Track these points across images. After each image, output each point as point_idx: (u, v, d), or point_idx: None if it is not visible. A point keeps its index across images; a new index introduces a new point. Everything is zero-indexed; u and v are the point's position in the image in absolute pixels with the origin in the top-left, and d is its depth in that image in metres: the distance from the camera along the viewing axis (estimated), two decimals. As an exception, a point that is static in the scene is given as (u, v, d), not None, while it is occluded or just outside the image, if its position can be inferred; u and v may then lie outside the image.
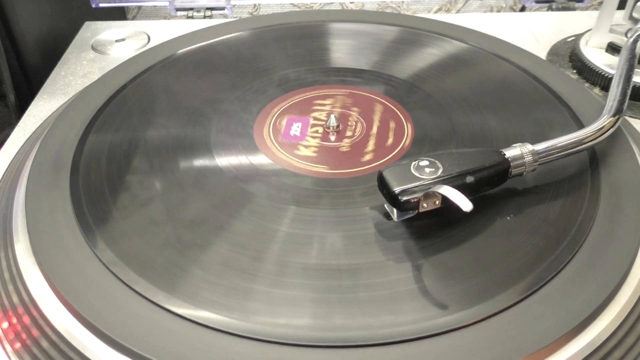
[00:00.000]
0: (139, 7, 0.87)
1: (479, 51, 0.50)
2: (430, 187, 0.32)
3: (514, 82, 0.46)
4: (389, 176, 0.33)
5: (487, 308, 0.29)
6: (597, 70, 0.50)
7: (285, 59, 0.50)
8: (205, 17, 0.66)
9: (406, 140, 0.41)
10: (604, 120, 0.37)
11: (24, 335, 0.31)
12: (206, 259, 0.32)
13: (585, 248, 0.32)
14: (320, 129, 0.42)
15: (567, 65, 0.54)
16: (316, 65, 0.49)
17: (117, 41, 0.60)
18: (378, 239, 0.33)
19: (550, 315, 0.29)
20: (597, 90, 0.50)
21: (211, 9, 0.66)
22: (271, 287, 0.30)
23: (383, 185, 0.33)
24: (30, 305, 0.31)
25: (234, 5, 0.67)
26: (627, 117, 0.45)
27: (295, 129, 0.42)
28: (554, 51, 0.56)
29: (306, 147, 0.40)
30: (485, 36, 0.53)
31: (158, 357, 0.27)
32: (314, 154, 0.40)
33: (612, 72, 0.48)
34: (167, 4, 0.67)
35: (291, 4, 0.86)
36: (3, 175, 0.42)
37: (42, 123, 0.48)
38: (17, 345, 0.30)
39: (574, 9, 0.66)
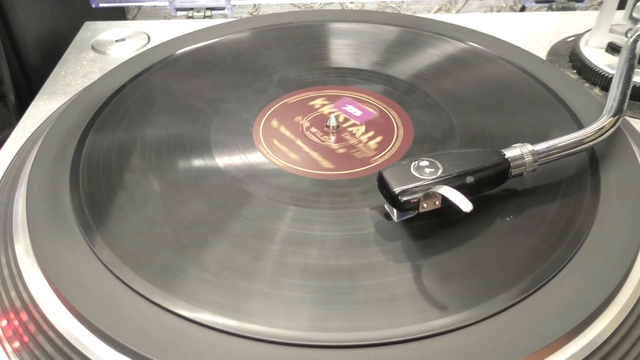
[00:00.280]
0: (139, 7, 0.87)
1: (478, 51, 0.50)
2: (430, 188, 0.32)
3: (514, 82, 0.46)
4: (388, 176, 0.33)
5: (487, 308, 0.29)
6: (597, 70, 0.50)
7: (285, 59, 0.50)
8: (205, 17, 0.66)
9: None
10: (604, 120, 0.37)
11: (23, 335, 0.31)
12: (205, 259, 0.32)
13: (585, 248, 0.32)
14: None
15: (567, 65, 0.54)
16: (316, 65, 0.49)
17: (117, 41, 0.60)
18: (378, 239, 0.33)
19: (550, 315, 0.29)
20: (597, 90, 0.50)
21: (211, 9, 0.66)
22: (270, 288, 0.30)
23: (383, 185, 0.33)
24: (30, 305, 0.31)
25: (234, 5, 0.67)
26: (627, 117, 0.45)
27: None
28: (554, 51, 0.56)
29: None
30: (485, 36, 0.53)
31: (157, 357, 0.27)
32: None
33: (612, 72, 0.48)
34: (167, 4, 0.67)
35: (291, 4, 0.86)
36: (3, 175, 0.42)
37: (42, 123, 0.48)
38: (17, 345, 0.30)
39: (574, 9, 0.66)
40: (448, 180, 0.32)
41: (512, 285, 0.30)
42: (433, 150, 0.39)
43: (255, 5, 0.88)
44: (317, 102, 0.45)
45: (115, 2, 0.68)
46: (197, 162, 0.39)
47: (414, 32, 0.53)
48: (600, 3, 0.56)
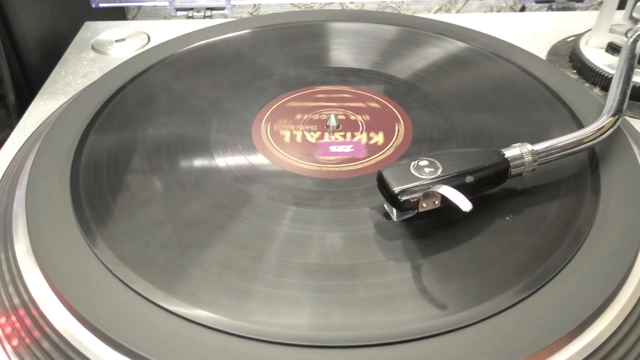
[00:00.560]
0: (139, 7, 0.87)
1: (478, 51, 0.50)
2: (429, 187, 0.32)
3: (514, 82, 0.46)
4: (388, 176, 0.33)
5: (487, 308, 0.29)
6: (597, 70, 0.50)
7: (285, 59, 0.50)
8: (205, 17, 0.66)
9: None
10: (604, 120, 0.37)
11: (23, 335, 0.31)
12: (206, 259, 0.32)
13: (585, 248, 0.32)
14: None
15: (567, 65, 0.54)
16: (316, 65, 0.49)
17: (117, 41, 0.60)
18: (378, 239, 0.33)
19: (550, 315, 0.29)
20: (597, 90, 0.50)
21: (211, 9, 0.66)
22: (271, 287, 0.30)
23: (383, 185, 0.33)
24: (30, 305, 0.31)
25: (234, 5, 0.67)
26: (627, 117, 0.45)
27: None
28: (554, 51, 0.56)
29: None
30: (485, 36, 0.53)
31: (157, 357, 0.27)
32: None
33: (612, 72, 0.48)
34: (167, 4, 0.67)
35: (291, 4, 0.86)
36: (3, 175, 0.42)
37: (42, 123, 0.48)
38: (17, 344, 0.30)
39: (574, 9, 0.66)
40: (447, 179, 0.32)
41: (512, 285, 0.30)
42: (433, 150, 0.39)
43: (255, 5, 0.88)
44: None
45: (115, 2, 0.68)
46: (198, 162, 0.39)
47: (414, 32, 0.53)
48: (600, 3, 0.56)
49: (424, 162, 0.33)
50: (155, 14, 0.88)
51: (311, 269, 0.31)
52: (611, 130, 0.37)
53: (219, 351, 0.27)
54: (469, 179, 0.33)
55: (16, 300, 0.32)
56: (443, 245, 0.32)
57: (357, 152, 0.39)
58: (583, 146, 0.36)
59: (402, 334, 0.28)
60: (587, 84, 0.51)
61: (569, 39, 0.58)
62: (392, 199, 0.32)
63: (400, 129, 0.42)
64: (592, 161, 0.38)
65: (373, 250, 0.32)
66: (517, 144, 0.35)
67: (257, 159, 0.39)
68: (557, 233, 0.33)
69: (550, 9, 0.66)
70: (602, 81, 0.50)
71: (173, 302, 0.29)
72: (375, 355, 0.27)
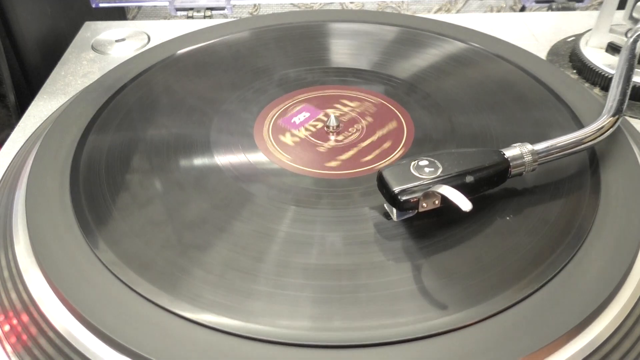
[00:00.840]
0: (139, 7, 0.87)
1: (479, 51, 0.50)
2: (429, 187, 0.32)
3: (514, 82, 0.46)
4: (388, 176, 0.33)
5: (487, 308, 0.29)
6: (597, 70, 0.50)
7: (285, 59, 0.50)
8: (205, 17, 0.66)
9: (406, 140, 0.41)
10: (604, 120, 0.37)
11: (23, 336, 0.31)
12: (207, 260, 0.32)
13: (585, 248, 0.32)
14: (320, 127, 0.42)
15: (567, 65, 0.54)
16: (316, 65, 0.49)
17: (117, 41, 0.60)
18: (378, 239, 0.33)
19: (550, 315, 0.29)
20: (597, 90, 0.50)
21: (211, 9, 0.66)
22: (272, 288, 0.30)
23: (383, 185, 0.33)
24: (30, 305, 0.31)
25: (234, 5, 0.67)
26: (627, 117, 0.45)
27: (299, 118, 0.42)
28: (554, 51, 0.56)
29: (306, 146, 0.41)
30: (485, 36, 0.53)
31: (158, 357, 0.27)
32: (314, 154, 0.40)
33: (612, 72, 0.48)
34: (167, 4, 0.67)
35: (291, 4, 0.86)
36: (3, 175, 0.42)
37: (42, 123, 0.48)
38: (17, 345, 0.30)
39: (574, 9, 0.66)
40: (447, 179, 0.32)
41: (512, 284, 0.30)
42: (433, 150, 0.39)
43: (255, 5, 0.88)
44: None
45: (115, 2, 0.68)
46: (198, 162, 0.39)
47: (414, 32, 0.53)
48: (600, 3, 0.56)
49: (424, 162, 0.33)
50: (155, 14, 0.88)
51: (312, 269, 0.31)
52: (611, 130, 0.37)
53: (220, 351, 0.27)
54: (469, 178, 0.33)
55: (16, 300, 0.32)
56: (443, 245, 0.32)
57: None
58: (583, 146, 0.36)
59: (402, 334, 0.28)
60: (587, 84, 0.51)
61: (569, 39, 0.58)
62: (392, 198, 0.32)
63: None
64: (592, 161, 0.38)
65: (373, 250, 0.32)
66: (517, 144, 0.35)
67: (258, 159, 0.39)
68: (557, 233, 0.33)
69: (550, 9, 0.66)
70: (602, 81, 0.50)
71: (173, 302, 0.29)
72: (375, 355, 0.27)
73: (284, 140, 0.41)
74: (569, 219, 0.34)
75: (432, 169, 0.33)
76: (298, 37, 0.53)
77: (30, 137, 0.46)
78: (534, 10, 0.76)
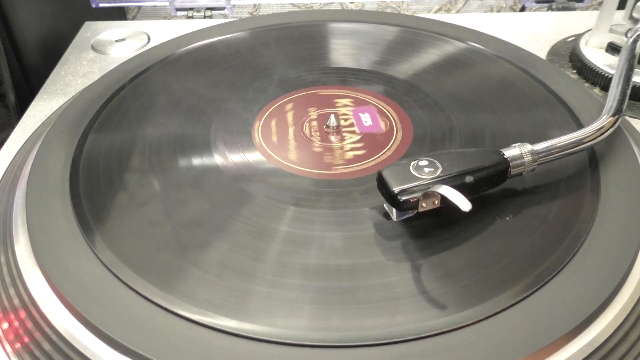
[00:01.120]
0: (139, 7, 0.87)
1: (478, 51, 0.50)
2: (429, 187, 0.32)
3: (514, 82, 0.46)
4: (388, 176, 0.33)
5: (487, 308, 0.29)
6: (597, 70, 0.50)
7: (285, 59, 0.50)
8: (205, 17, 0.66)
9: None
10: (604, 120, 0.37)
11: (23, 336, 0.31)
12: (205, 259, 0.32)
13: (585, 248, 0.32)
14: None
15: (567, 65, 0.54)
16: (316, 65, 0.49)
17: (117, 41, 0.60)
18: (377, 239, 0.33)
19: (550, 315, 0.29)
20: (597, 90, 0.50)
21: (211, 9, 0.66)
22: (270, 288, 0.30)
23: (382, 185, 0.33)
24: (30, 305, 0.31)
25: (234, 5, 0.67)
26: (627, 117, 0.45)
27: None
28: (554, 51, 0.56)
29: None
30: (485, 36, 0.53)
31: (157, 357, 0.27)
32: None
33: (612, 72, 0.48)
34: (167, 4, 0.67)
35: (291, 4, 0.86)
36: (3, 175, 0.42)
37: (42, 123, 0.48)
38: (17, 345, 0.30)
39: (574, 9, 0.66)
40: (447, 179, 0.32)
41: (512, 285, 0.30)
42: (432, 150, 0.39)
43: (255, 5, 0.88)
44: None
45: (115, 2, 0.68)
46: (197, 162, 0.39)
47: (414, 32, 0.53)
48: (600, 3, 0.56)
49: (423, 162, 0.33)
50: (155, 14, 0.88)
51: (311, 269, 0.31)
52: (611, 130, 0.37)
53: (218, 351, 0.27)
54: (468, 179, 0.33)
55: (16, 300, 0.32)
56: (443, 245, 0.32)
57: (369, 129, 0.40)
58: (583, 146, 0.36)
59: (401, 334, 0.28)
60: (587, 84, 0.51)
61: (569, 39, 0.58)
62: (392, 198, 0.32)
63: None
64: (592, 161, 0.38)
65: (373, 251, 0.32)
66: (517, 144, 0.35)
67: (257, 159, 0.39)
68: (557, 233, 0.33)
69: (550, 9, 0.66)
70: (602, 81, 0.50)
71: (173, 301, 0.29)
72: (374, 355, 0.27)
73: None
74: (568, 219, 0.34)
75: (432, 169, 0.33)
76: (298, 37, 0.53)
77: (30, 137, 0.46)
78: (534, 10, 0.76)
